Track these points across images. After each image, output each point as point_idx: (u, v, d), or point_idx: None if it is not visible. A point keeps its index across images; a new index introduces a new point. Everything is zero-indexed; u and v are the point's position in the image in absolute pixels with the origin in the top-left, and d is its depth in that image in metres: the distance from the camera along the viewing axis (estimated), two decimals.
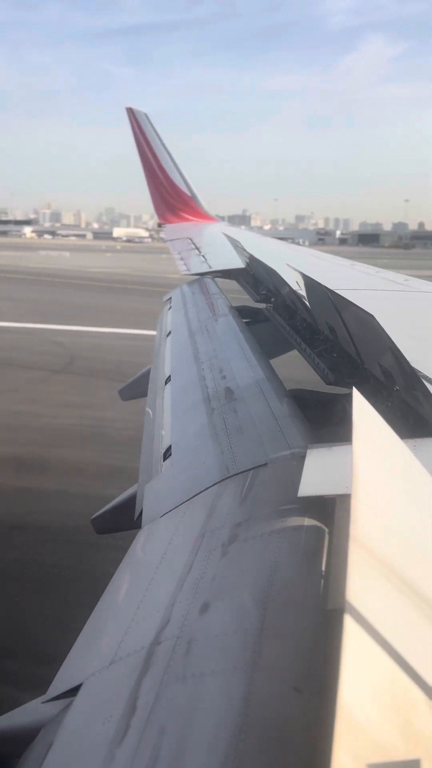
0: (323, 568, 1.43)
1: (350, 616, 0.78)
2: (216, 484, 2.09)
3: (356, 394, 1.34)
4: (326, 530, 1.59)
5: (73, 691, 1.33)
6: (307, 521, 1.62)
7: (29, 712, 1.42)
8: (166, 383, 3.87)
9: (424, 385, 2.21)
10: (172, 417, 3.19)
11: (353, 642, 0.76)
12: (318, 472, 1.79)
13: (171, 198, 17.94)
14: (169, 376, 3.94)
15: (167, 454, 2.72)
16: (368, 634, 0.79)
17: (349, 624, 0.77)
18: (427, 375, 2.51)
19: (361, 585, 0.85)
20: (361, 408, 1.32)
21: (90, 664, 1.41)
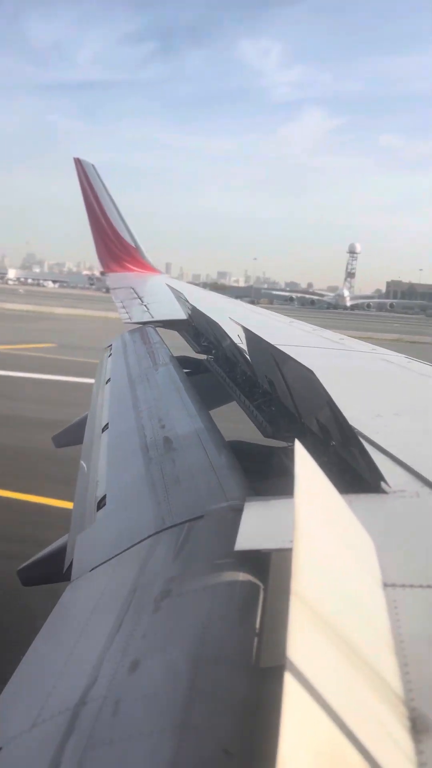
0: (257, 624, 1.40)
1: (290, 673, 0.76)
2: (150, 536, 2.04)
3: (299, 446, 1.35)
4: (261, 586, 1.56)
5: None
6: (243, 576, 1.59)
7: None
8: (103, 431, 3.80)
9: (359, 441, 2.26)
10: (108, 465, 3.13)
11: (293, 702, 0.73)
12: (255, 526, 1.78)
13: (115, 248, 18.12)
14: (107, 424, 3.87)
15: (101, 503, 2.64)
16: (308, 694, 0.77)
17: (288, 683, 0.75)
18: (362, 431, 2.57)
19: (302, 642, 0.83)
20: (304, 461, 1.33)
21: (10, 728, 1.32)
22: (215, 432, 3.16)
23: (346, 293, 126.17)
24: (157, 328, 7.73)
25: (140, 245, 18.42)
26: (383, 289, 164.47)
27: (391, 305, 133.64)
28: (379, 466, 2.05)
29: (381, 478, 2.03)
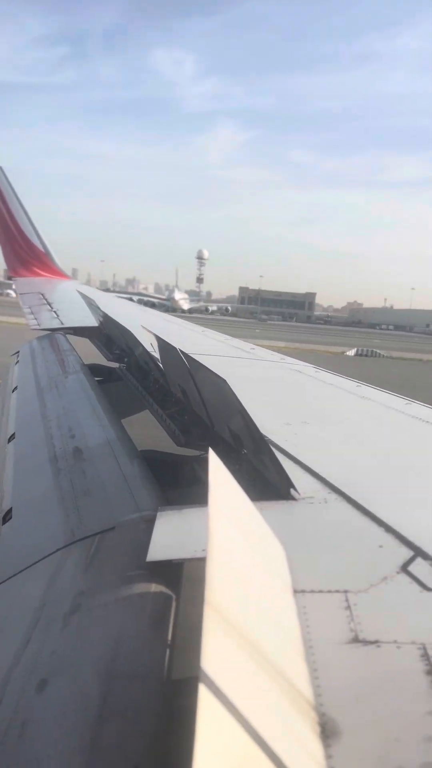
0: (170, 636, 1.39)
1: (204, 685, 0.75)
2: (59, 549, 1.98)
3: (212, 455, 1.35)
4: (173, 596, 1.55)
5: None
6: (155, 587, 1.57)
7: None
8: (9, 441, 3.65)
9: (270, 449, 2.30)
10: (14, 477, 3.00)
11: (207, 713, 0.72)
12: (168, 535, 1.77)
13: (23, 252, 17.56)
14: (14, 434, 3.73)
15: (7, 517, 2.53)
16: (221, 704, 0.76)
17: (203, 694, 0.74)
18: (272, 439, 2.62)
19: (216, 652, 0.82)
20: (216, 470, 1.34)
21: None
22: (127, 441, 3.12)
23: (178, 296, 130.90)
24: (68, 335, 7.55)
25: (50, 250, 17.95)
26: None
27: (226, 309, 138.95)
28: (289, 474, 2.10)
29: (291, 485, 2.07)
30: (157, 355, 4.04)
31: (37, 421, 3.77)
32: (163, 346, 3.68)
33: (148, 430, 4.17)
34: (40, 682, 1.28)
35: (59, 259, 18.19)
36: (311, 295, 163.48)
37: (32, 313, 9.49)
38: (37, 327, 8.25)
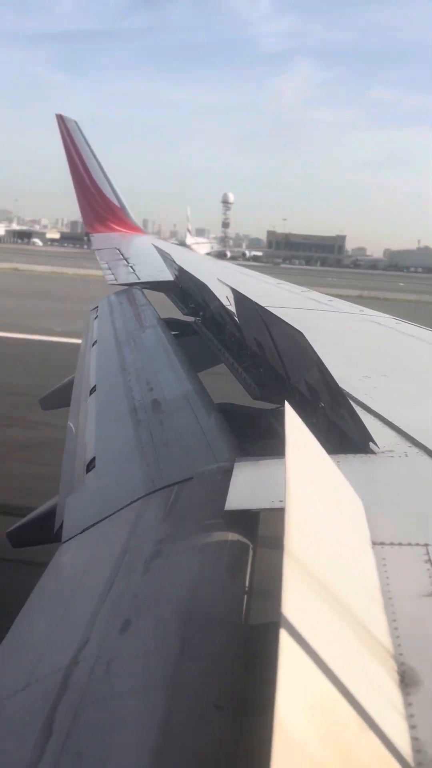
0: (247, 583, 1.42)
1: (285, 630, 0.77)
2: (140, 498, 2.05)
3: (288, 409, 1.35)
4: (251, 545, 1.58)
5: None
6: (232, 536, 1.61)
7: None
8: (90, 393, 3.78)
9: (348, 402, 2.26)
10: (96, 428, 3.12)
11: (288, 657, 0.74)
12: (245, 486, 1.79)
13: (99, 207, 17.71)
14: (95, 386, 3.85)
15: (90, 466, 2.64)
16: (302, 649, 0.78)
17: (284, 638, 0.76)
18: (351, 393, 2.58)
19: (296, 599, 0.84)
20: (293, 422, 1.33)
21: (4, 688, 1.33)
22: (204, 394, 3.15)
23: (190, 241, 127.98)
24: (144, 290, 7.64)
25: (125, 205, 18.03)
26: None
27: (243, 254, 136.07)
28: (368, 427, 2.06)
29: (370, 438, 2.04)
30: (232, 308, 4.02)
31: (116, 374, 3.87)
32: (239, 298, 3.66)
33: (224, 383, 4.19)
34: (124, 624, 1.34)
35: (132, 210, 18.18)
36: (341, 238, 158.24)
37: (109, 268, 9.63)
38: (115, 282, 8.38)
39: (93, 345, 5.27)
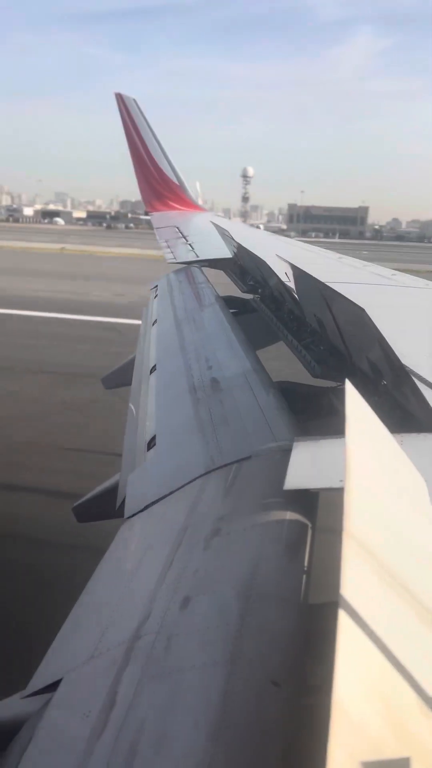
0: (306, 562, 1.42)
1: (344, 610, 0.77)
2: (200, 476, 2.07)
3: (349, 387, 1.32)
4: (309, 524, 1.57)
5: (54, 686, 1.31)
6: (291, 515, 1.60)
7: (9, 707, 1.40)
8: (151, 372, 3.83)
9: (412, 380, 2.20)
10: (156, 406, 3.16)
11: (347, 637, 0.74)
12: (304, 465, 1.78)
13: (158, 186, 17.76)
14: (155, 365, 3.90)
15: (151, 443, 2.69)
16: (362, 630, 0.77)
17: (343, 619, 0.75)
18: (415, 371, 2.51)
19: (355, 580, 0.83)
20: (354, 401, 1.31)
21: (70, 660, 1.39)
22: (262, 372, 3.14)
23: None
24: (203, 268, 7.64)
25: (184, 182, 18.00)
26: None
27: (257, 227, 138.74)
28: None
29: None
30: (291, 284, 3.97)
31: (176, 353, 3.90)
32: (298, 274, 3.60)
33: (283, 361, 4.16)
34: (184, 600, 1.37)
35: (191, 188, 18.16)
36: (363, 210, 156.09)
37: (168, 247, 9.68)
38: (174, 261, 8.42)
39: (153, 324, 5.33)
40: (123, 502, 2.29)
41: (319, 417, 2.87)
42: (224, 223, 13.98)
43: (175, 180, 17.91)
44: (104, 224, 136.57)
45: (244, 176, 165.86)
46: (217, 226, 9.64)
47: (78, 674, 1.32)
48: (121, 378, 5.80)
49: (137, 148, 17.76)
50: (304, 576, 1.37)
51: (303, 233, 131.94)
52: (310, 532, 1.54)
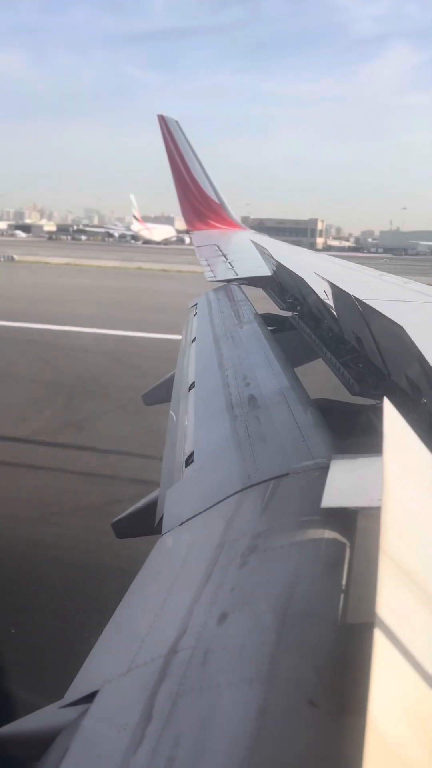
0: (344, 581, 1.40)
1: (380, 630, 0.76)
2: (237, 492, 2.07)
3: (387, 404, 1.32)
4: (347, 543, 1.56)
5: (90, 697, 1.32)
6: (328, 533, 1.59)
7: (46, 716, 1.41)
8: (189, 389, 3.86)
9: None
10: (195, 423, 3.18)
11: (383, 658, 0.73)
12: (342, 484, 1.77)
13: (199, 205, 17.97)
14: (193, 383, 3.93)
15: (189, 460, 2.70)
16: (398, 651, 0.76)
17: (378, 639, 0.75)
18: None
19: (391, 600, 0.82)
20: (393, 419, 1.30)
21: (107, 671, 1.40)
22: (300, 390, 3.13)
23: (136, 227, 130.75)
24: (242, 286, 7.68)
25: (225, 201, 18.16)
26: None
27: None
28: None
29: None
30: (331, 302, 3.96)
31: (214, 370, 3.92)
32: (337, 292, 3.59)
33: (322, 378, 4.15)
34: (221, 616, 1.37)
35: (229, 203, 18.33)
36: (313, 222, 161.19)
37: (208, 265, 9.77)
38: (213, 279, 8.49)
39: (192, 341, 5.38)
40: (162, 518, 2.31)
41: (357, 435, 2.84)
42: (263, 240, 14.04)
43: (215, 199, 18.11)
44: (68, 237, 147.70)
45: None
46: (256, 244, 9.70)
47: (115, 686, 1.32)
48: (160, 394, 5.86)
49: (179, 169, 18.03)
50: (342, 595, 1.35)
51: None
52: (348, 551, 1.52)
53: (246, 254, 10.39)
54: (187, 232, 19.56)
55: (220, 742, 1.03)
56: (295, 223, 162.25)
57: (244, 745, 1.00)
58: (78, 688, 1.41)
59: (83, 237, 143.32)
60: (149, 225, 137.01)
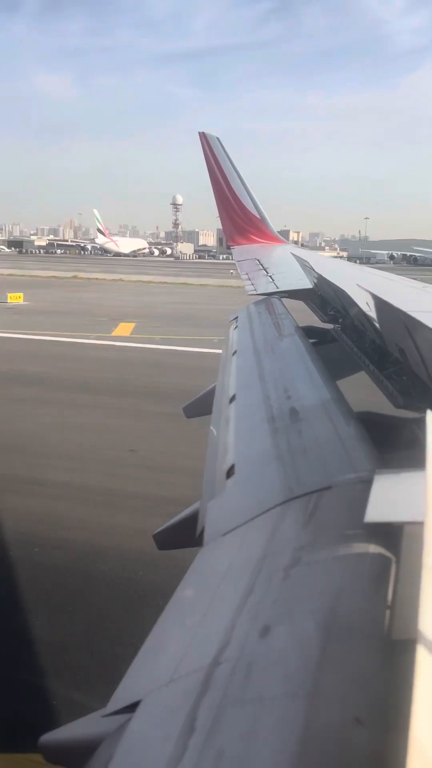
0: (389, 597, 1.37)
1: (423, 647, 0.74)
2: (279, 505, 2.06)
3: (430, 417, 1.29)
4: (393, 558, 1.53)
5: (133, 707, 1.33)
6: (373, 548, 1.56)
7: (90, 724, 1.43)
8: (230, 402, 3.87)
9: None
10: (236, 436, 3.18)
11: (426, 675, 0.71)
12: (386, 498, 1.74)
13: (240, 220, 18.05)
14: (234, 395, 3.93)
15: (230, 472, 2.70)
16: None
17: (421, 656, 0.73)
18: None
19: None
20: None
21: (149, 681, 1.40)
22: (342, 402, 3.10)
23: (101, 240, 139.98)
24: (283, 299, 7.67)
25: (266, 216, 18.20)
26: None
27: (163, 251, 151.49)
28: None
29: None
30: (373, 314, 3.92)
31: (255, 383, 3.92)
32: (379, 304, 3.56)
33: (365, 391, 4.09)
34: (263, 628, 1.36)
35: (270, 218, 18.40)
36: (285, 233, 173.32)
37: (249, 279, 9.80)
38: (254, 292, 8.51)
39: (233, 354, 5.39)
40: (203, 530, 2.31)
41: (401, 448, 2.79)
42: (304, 253, 14.02)
43: (256, 214, 18.18)
44: (55, 251, 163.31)
45: (174, 204, 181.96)
46: (297, 257, 9.69)
47: (157, 696, 1.33)
48: (201, 407, 5.87)
49: (220, 185, 18.19)
50: (387, 611, 1.32)
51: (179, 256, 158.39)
52: (392, 565, 1.49)
53: (286, 267, 10.39)
54: (228, 247, 19.66)
55: (264, 755, 1.01)
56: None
57: (287, 759, 0.98)
58: (121, 697, 1.42)
59: (59, 251, 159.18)
60: (114, 238, 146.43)
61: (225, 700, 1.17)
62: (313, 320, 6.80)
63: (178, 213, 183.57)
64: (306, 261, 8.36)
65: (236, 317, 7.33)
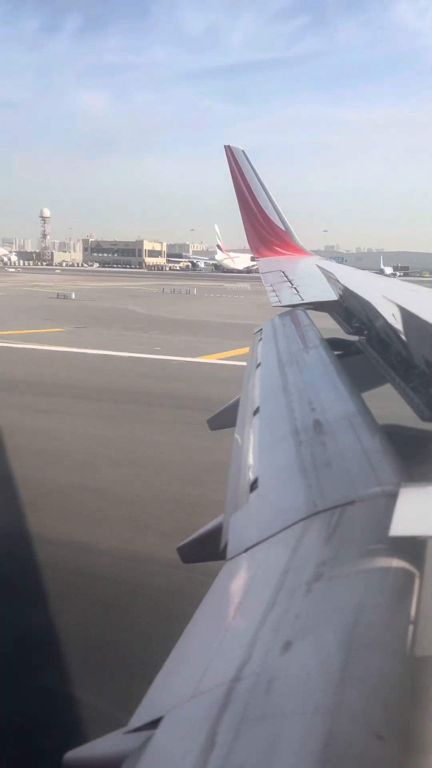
0: (413, 612, 1.35)
1: None
2: (302, 519, 2.04)
3: None
4: (416, 573, 1.50)
5: (155, 724, 1.32)
6: (397, 563, 1.54)
7: (112, 741, 1.42)
8: (254, 414, 3.85)
9: None
10: (259, 448, 3.17)
11: None
12: (411, 512, 1.71)
13: (265, 232, 18.09)
14: (258, 407, 3.92)
15: (254, 485, 2.69)
16: None
17: None
18: None
19: None
20: None
21: (171, 697, 1.40)
22: (368, 415, 3.07)
23: (219, 257, 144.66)
24: (308, 311, 7.64)
25: (291, 228, 18.21)
26: None
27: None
28: None
29: None
30: (399, 326, 3.89)
31: (279, 395, 3.90)
32: (406, 316, 3.52)
33: (391, 404, 4.05)
34: (285, 644, 1.34)
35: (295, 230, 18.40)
36: (140, 243, 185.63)
37: (274, 290, 9.79)
38: (278, 304, 8.50)
39: (257, 366, 5.38)
40: (226, 543, 2.30)
41: (428, 462, 2.75)
42: (329, 265, 13.97)
43: (281, 226, 18.20)
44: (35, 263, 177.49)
45: (42, 217, 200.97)
46: (322, 269, 9.67)
47: (179, 713, 1.32)
48: (225, 419, 5.86)
49: (245, 198, 18.28)
50: (411, 626, 1.30)
51: (103, 264, 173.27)
52: (417, 581, 1.47)
53: (311, 279, 10.36)
54: (252, 259, 19.73)
55: None
56: (125, 245, 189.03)
57: None
58: (142, 714, 1.41)
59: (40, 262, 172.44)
60: (231, 254, 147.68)
61: (246, 715, 1.16)
62: (339, 332, 6.77)
63: (45, 225, 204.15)
64: (331, 273, 8.34)
65: (260, 329, 7.32)
